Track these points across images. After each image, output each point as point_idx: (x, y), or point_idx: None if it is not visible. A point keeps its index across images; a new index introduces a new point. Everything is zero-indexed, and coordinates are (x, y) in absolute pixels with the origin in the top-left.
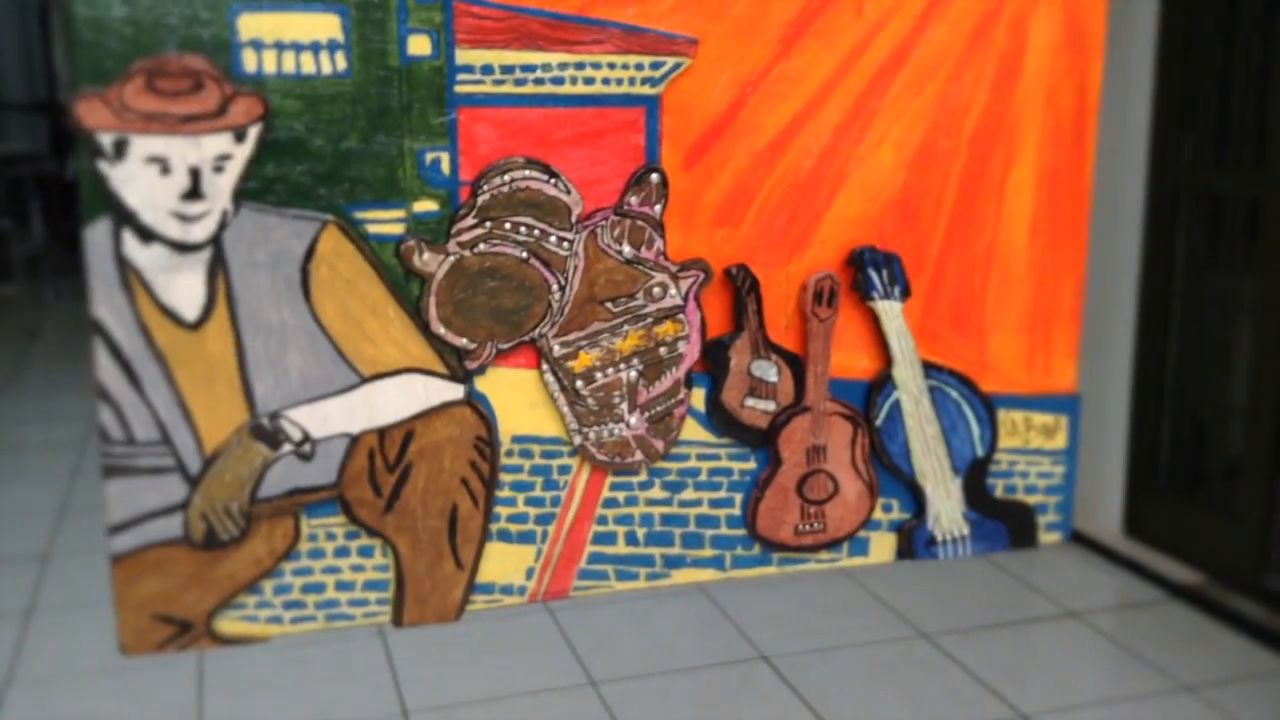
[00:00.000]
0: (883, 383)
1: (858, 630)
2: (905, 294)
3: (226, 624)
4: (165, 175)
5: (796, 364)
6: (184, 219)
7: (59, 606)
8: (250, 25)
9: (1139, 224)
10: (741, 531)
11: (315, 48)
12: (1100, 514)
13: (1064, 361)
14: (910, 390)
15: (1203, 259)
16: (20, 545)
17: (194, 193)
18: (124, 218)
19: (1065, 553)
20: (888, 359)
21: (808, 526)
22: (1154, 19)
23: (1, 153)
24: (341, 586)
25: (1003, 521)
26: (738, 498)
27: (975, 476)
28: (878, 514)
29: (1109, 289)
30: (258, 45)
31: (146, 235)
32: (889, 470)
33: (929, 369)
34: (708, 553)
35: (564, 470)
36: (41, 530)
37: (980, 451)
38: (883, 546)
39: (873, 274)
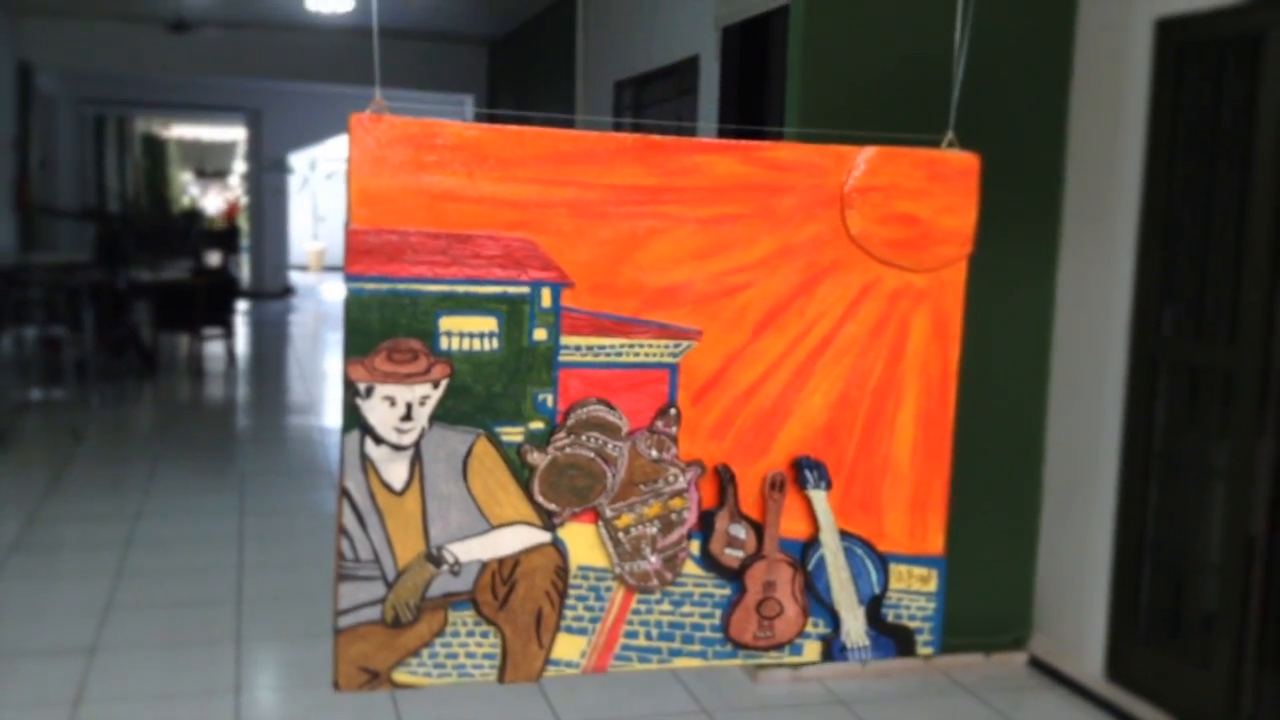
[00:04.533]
0: (813, 542)
1: None
2: (829, 487)
3: (400, 675)
4: (392, 407)
5: (758, 528)
6: (400, 432)
7: (105, 697)
8: (446, 323)
9: (1121, 391)
10: (720, 635)
11: (481, 335)
12: (1084, 658)
13: (935, 534)
14: (831, 548)
15: (1181, 424)
16: (67, 638)
17: (407, 417)
18: (366, 430)
19: (1051, 693)
20: (816, 528)
21: (763, 634)
22: (1137, 201)
23: (58, 262)
24: (469, 655)
25: (892, 638)
26: (718, 612)
27: (874, 607)
28: (808, 628)
29: (1093, 450)
30: (449, 334)
31: (378, 440)
32: (816, 599)
33: (844, 535)
34: (697, 647)
35: (608, 589)
36: (88, 625)
37: (877, 590)
38: (812, 649)
39: (808, 473)
